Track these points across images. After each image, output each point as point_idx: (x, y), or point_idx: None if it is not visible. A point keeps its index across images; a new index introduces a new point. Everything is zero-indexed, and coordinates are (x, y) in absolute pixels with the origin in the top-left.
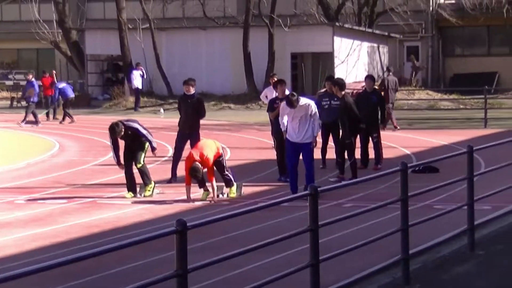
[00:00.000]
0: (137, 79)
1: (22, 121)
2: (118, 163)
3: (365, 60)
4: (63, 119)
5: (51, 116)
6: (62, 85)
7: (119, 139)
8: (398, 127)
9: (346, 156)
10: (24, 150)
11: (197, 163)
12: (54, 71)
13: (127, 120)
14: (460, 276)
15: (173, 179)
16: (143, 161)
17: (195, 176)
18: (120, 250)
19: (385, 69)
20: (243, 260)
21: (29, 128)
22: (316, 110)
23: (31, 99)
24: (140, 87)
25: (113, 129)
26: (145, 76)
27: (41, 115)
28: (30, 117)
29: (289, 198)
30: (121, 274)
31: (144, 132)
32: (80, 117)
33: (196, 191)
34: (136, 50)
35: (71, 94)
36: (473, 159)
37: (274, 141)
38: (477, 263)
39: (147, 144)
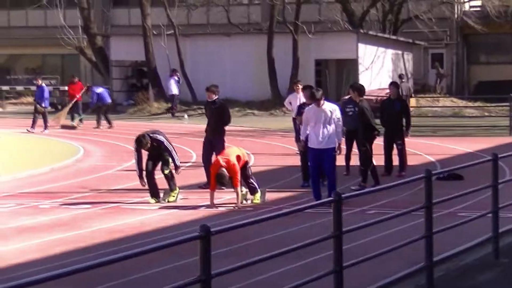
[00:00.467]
0: (173, 85)
1: (44, 128)
2: (140, 176)
3: (389, 67)
4: (98, 124)
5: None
6: (99, 90)
7: (143, 152)
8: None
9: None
10: (48, 155)
11: (223, 169)
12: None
13: (153, 132)
14: (484, 284)
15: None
16: (170, 171)
17: (221, 183)
18: (143, 255)
19: (398, 76)
20: (266, 266)
21: (52, 133)
22: (340, 116)
23: (43, 104)
24: (177, 93)
25: (140, 141)
26: (180, 82)
27: (76, 120)
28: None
29: (313, 204)
30: (144, 279)
31: (169, 147)
32: (105, 123)
33: (220, 197)
34: (160, 56)
35: (109, 100)
36: (498, 166)
37: (299, 147)
38: (501, 271)
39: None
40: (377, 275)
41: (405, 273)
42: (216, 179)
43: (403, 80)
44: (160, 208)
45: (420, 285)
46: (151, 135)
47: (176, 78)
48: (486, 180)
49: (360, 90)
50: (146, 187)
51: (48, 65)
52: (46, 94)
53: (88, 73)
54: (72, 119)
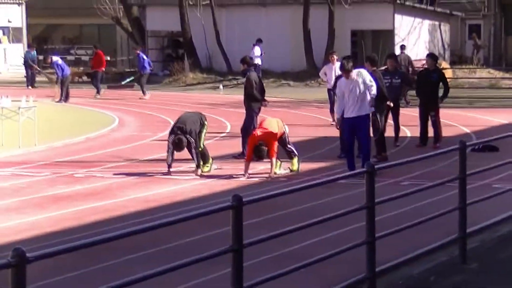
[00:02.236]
0: (256, 56)
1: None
2: (170, 167)
3: (426, 38)
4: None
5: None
6: (60, 61)
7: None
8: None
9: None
10: (84, 124)
11: (262, 142)
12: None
13: (189, 132)
14: None
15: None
16: (203, 144)
17: (259, 156)
18: (176, 224)
19: (400, 47)
20: (298, 236)
21: (88, 102)
22: (373, 81)
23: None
24: (259, 63)
25: (178, 146)
26: (263, 53)
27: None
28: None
29: (345, 175)
30: (177, 248)
31: (193, 146)
32: (140, 92)
33: (254, 167)
34: (196, 26)
35: (68, 71)
36: None
37: (333, 118)
38: None
39: (205, 127)
40: (410, 246)
41: (438, 244)
42: (254, 153)
43: (403, 51)
44: (194, 178)
45: (454, 256)
46: (186, 136)
47: (259, 49)
48: None
49: (373, 60)
50: (171, 177)
51: (85, 35)
52: (60, 70)
53: (124, 43)
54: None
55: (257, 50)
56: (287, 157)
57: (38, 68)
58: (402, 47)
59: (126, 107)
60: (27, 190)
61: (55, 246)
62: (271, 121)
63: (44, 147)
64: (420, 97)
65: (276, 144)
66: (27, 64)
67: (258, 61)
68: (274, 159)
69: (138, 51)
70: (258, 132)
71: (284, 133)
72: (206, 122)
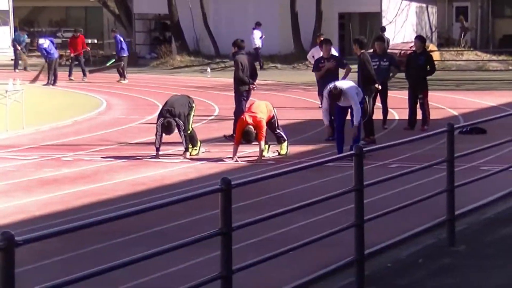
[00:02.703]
0: (257, 39)
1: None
2: (158, 150)
3: (413, 21)
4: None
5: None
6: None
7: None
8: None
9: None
10: (71, 107)
11: (250, 126)
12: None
13: (178, 115)
14: (506, 238)
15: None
16: (191, 127)
17: (247, 140)
18: (165, 207)
19: (380, 29)
20: (287, 219)
21: (75, 85)
22: (354, 95)
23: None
24: (260, 45)
25: (166, 129)
26: (263, 36)
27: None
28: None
29: (334, 158)
30: (165, 231)
31: (182, 129)
32: (127, 75)
33: (242, 150)
34: (183, 9)
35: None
36: None
37: (321, 101)
38: None
39: (193, 110)
40: (398, 228)
41: (426, 226)
42: (243, 136)
43: (384, 33)
44: (182, 161)
45: (442, 239)
46: (175, 119)
47: (260, 31)
48: (509, 134)
49: (361, 42)
50: (159, 160)
51: (72, 17)
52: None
53: (111, 26)
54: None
55: (257, 33)
56: (275, 141)
57: (20, 50)
58: (382, 29)
59: (114, 90)
60: (14, 173)
61: (42, 230)
62: (259, 105)
63: (31, 130)
64: (408, 79)
65: (264, 127)
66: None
67: (258, 43)
68: (262, 143)
69: (115, 34)
70: (247, 116)
71: (273, 116)
72: (194, 105)
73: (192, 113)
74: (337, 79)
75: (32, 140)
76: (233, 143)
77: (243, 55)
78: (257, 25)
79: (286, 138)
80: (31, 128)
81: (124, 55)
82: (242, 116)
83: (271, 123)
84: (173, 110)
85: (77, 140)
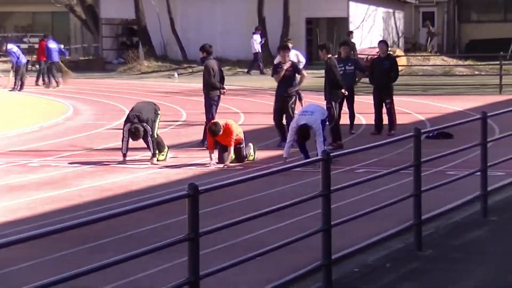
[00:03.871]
0: (257, 43)
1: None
2: (125, 155)
3: (380, 26)
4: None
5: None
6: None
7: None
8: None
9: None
10: (38, 113)
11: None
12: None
13: (145, 120)
14: (473, 242)
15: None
16: (157, 133)
17: (213, 131)
18: (132, 213)
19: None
20: (255, 224)
21: (42, 91)
22: (320, 128)
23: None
24: (259, 50)
25: (133, 134)
26: (263, 41)
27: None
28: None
29: (302, 163)
30: (133, 237)
31: (149, 134)
32: (94, 81)
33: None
34: (150, 14)
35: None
36: (487, 125)
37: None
38: (490, 229)
39: (158, 117)
40: (365, 233)
41: (393, 231)
42: (209, 130)
43: (350, 38)
44: (149, 167)
45: (409, 243)
46: (142, 124)
47: (259, 37)
48: (476, 139)
49: (327, 48)
50: (126, 165)
51: (38, 23)
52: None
53: (78, 31)
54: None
55: (257, 38)
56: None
57: None
58: (349, 34)
59: (81, 96)
60: None
61: (9, 236)
62: (234, 127)
63: None
64: (373, 84)
65: (234, 133)
66: None
67: (258, 48)
68: (231, 148)
69: (45, 40)
70: (218, 121)
71: (242, 140)
72: (159, 112)
73: (158, 120)
74: (292, 84)
75: None
76: (202, 149)
77: (213, 60)
78: (257, 29)
79: (251, 146)
80: None
81: (54, 61)
82: (211, 121)
83: (239, 148)
84: (141, 116)
85: (44, 146)
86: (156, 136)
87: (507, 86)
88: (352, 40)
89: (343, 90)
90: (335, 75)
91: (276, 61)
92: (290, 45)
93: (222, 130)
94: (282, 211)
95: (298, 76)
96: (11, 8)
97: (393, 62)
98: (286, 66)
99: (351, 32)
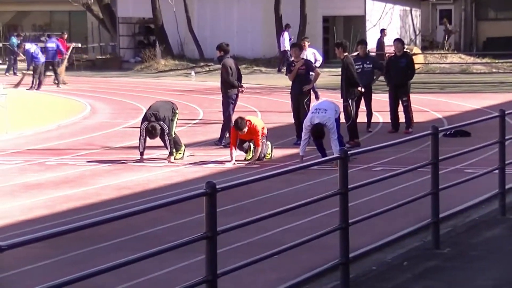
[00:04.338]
0: (287, 41)
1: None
2: (142, 154)
3: (397, 24)
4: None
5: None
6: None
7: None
8: None
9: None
10: (55, 112)
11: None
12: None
13: (162, 119)
14: (490, 240)
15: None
16: (174, 132)
17: (238, 125)
18: (150, 211)
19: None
20: (272, 223)
21: (60, 90)
22: (334, 125)
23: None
24: (288, 48)
25: (151, 133)
26: (292, 38)
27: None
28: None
29: (319, 161)
30: (150, 235)
31: (166, 133)
32: (112, 79)
33: (227, 153)
34: (167, 12)
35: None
36: (505, 123)
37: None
38: (508, 227)
39: (176, 116)
40: (383, 231)
41: (411, 229)
42: (234, 124)
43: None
44: (166, 165)
45: (427, 241)
46: (159, 123)
47: (288, 34)
48: (493, 137)
49: (344, 46)
50: (143, 164)
51: (56, 22)
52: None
53: (95, 30)
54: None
55: (286, 36)
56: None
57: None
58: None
59: (98, 94)
60: None
61: (26, 235)
62: (258, 124)
63: (15, 135)
64: (389, 82)
65: (260, 133)
66: (9, 51)
67: (287, 46)
68: (259, 148)
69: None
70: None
71: (265, 135)
72: (177, 111)
73: (176, 119)
74: (306, 82)
75: (16, 144)
76: (219, 147)
77: (230, 59)
78: (287, 27)
79: (268, 145)
80: (15, 132)
81: (38, 63)
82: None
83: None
84: (158, 114)
85: (61, 145)
86: (173, 135)
87: None
88: (385, 38)
89: (359, 88)
90: (351, 73)
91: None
92: (306, 43)
93: (247, 128)
94: (298, 209)
95: (312, 74)
96: (28, 7)
97: (410, 60)
98: (298, 64)
99: (384, 29)
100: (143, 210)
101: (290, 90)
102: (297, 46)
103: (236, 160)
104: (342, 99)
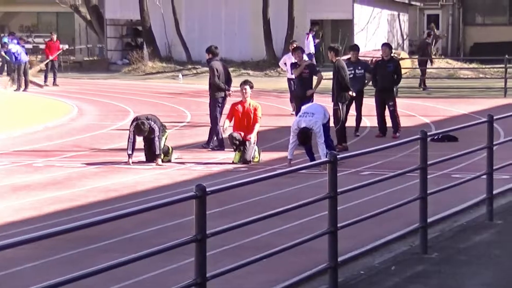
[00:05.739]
0: (311, 44)
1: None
2: (130, 156)
3: (385, 28)
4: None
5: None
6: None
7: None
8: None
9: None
10: (42, 113)
11: (238, 134)
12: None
13: (151, 119)
14: (478, 245)
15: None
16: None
17: (233, 143)
18: (138, 214)
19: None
20: (261, 226)
21: (47, 91)
22: (321, 129)
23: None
24: (313, 52)
25: (140, 128)
26: (317, 42)
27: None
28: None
29: (308, 165)
30: (138, 238)
31: (157, 135)
32: (99, 81)
33: (215, 157)
34: (155, 15)
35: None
36: (493, 128)
37: (294, 107)
38: (496, 232)
39: (166, 134)
40: (371, 236)
41: (399, 234)
42: (230, 139)
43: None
44: (154, 167)
45: (415, 246)
46: (150, 122)
47: (312, 36)
48: (481, 142)
49: (336, 50)
50: (131, 166)
51: (43, 23)
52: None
53: (82, 32)
54: (45, 78)
55: (311, 39)
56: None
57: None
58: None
59: (85, 96)
60: None
61: (13, 237)
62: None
63: (2, 136)
64: (376, 87)
65: (260, 112)
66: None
67: (312, 49)
68: (258, 125)
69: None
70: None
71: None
72: (167, 131)
73: (165, 136)
74: (310, 86)
75: (3, 146)
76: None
77: (218, 61)
78: (311, 30)
79: (256, 148)
80: (1, 134)
81: (22, 62)
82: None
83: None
84: (149, 116)
85: (48, 146)
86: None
87: None
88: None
89: (350, 92)
90: (343, 77)
91: (283, 62)
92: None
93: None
94: (288, 212)
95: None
96: (15, 8)
97: (397, 65)
98: (301, 67)
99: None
100: (133, 212)
101: (290, 95)
102: (300, 49)
103: (223, 163)
104: (332, 103)
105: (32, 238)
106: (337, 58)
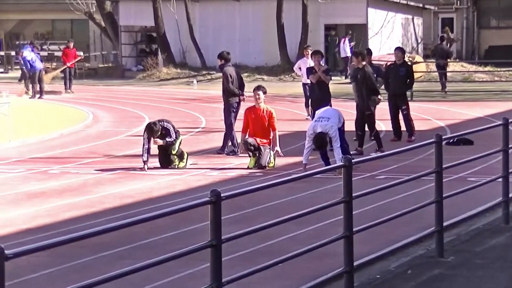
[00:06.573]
0: (347, 48)
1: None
2: (146, 162)
3: (399, 32)
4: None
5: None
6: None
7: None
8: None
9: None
10: (58, 120)
11: (253, 140)
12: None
13: (163, 120)
14: (494, 248)
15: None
16: (178, 148)
17: (248, 148)
18: (153, 220)
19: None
20: (276, 231)
21: (62, 98)
22: (337, 134)
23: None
24: (349, 54)
25: (151, 129)
26: (352, 46)
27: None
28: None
29: (323, 169)
30: (154, 244)
31: (173, 136)
32: (114, 88)
33: (230, 162)
34: (169, 21)
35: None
36: (508, 131)
37: (309, 112)
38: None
39: (179, 139)
40: (387, 240)
41: (415, 237)
42: (245, 144)
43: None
44: (169, 173)
45: (431, 250)
46: (162, 123)
47: (347, 41)
48: (496, 145)
49: (363, 55)
50: (146, 172)
51: (58, 30)
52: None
53: (97, 39)
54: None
55: (347, 43)
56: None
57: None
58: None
59: (101, 103)
60: (1, 186)
61: (30, 244)
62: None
63: (18, 143)
64: (389, 91)
65: (275, 118)
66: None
67: (348, 53)
68: (276, 132)
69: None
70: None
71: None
72: (180, 137)
73: (178, 141)
74: (327, 90)
75: (18, 153)
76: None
77: (231, 67)
78: (347, 34)
79: (271, 153)
80: (17, 141)
81: (36, 70)
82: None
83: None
84: (164, 119)
85: (64, 153)
86: (176, 151)
87: None
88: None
89: (379, 97)
90: (373, 82)
91: (298, 67)
92: (310, 51)
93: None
94: (303, 217)
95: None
96: (30, 16)
97: (410, 69)
98: (320, 73)
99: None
100: (148, 218)
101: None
102: (320, 53)
103: (238, 168)
104: (358, 109)
105: (50, 245)
106: (363, 63)
